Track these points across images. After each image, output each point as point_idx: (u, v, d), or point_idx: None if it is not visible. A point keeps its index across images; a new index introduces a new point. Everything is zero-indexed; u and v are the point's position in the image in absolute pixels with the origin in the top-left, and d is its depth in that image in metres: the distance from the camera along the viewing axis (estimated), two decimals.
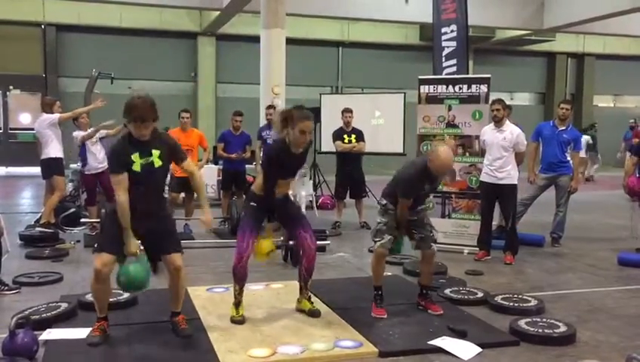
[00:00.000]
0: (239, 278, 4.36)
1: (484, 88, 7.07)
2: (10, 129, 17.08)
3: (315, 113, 10.69)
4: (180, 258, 4.01)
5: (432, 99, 7.25)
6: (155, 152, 3.85)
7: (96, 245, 3.96)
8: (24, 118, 17.16)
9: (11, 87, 16.95)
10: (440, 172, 4.47)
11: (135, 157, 3.80)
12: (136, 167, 3.80)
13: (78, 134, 7.87)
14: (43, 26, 16.50)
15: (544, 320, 4.41)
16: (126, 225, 3.79)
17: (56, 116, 7.58)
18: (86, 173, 7.90)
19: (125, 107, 3.78)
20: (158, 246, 3.98)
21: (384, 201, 4.65)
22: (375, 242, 4.61)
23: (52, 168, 7.55)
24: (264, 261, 4.67)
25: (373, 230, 4.69)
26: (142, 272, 3.87)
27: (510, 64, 20.30)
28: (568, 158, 7.35)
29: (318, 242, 6.67)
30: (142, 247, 3.93)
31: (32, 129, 14.36)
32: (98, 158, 7.80)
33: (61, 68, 16.87)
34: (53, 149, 7.51)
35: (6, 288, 5.09)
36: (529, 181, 7.45)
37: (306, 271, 4.52)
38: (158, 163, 3.87)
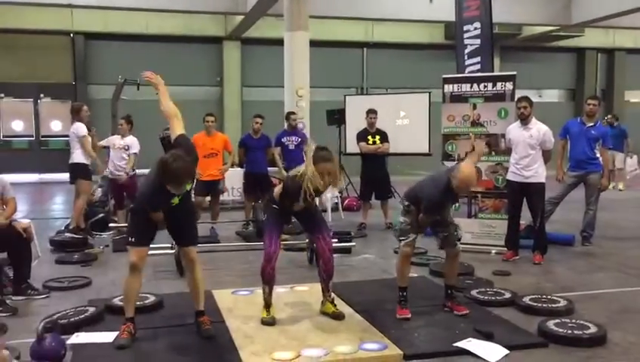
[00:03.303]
0: (267, 280, 4.40)
1: (509, 86, 6.97)
2: (42, 136, 17.43)
3: (340, 115, 10.78)
4: (194, 251, 4.23)
5: (457, 98, 7.18)
6: (188, 185, 4.03)
7: (129, 238, 4.07)
8: (55, 126, 17.50)
9: (42, 95, 17.29)
10: (462, 188, 4.38)
11: (175, 200, 4.00)
12: (175, 201, 4.01)
13: (112, 140, 8.14)
14: (72, 35, 16.79)
15: (573, 321, 4.31)
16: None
17: (82, 133, 7.67)
18: (110, 177, 8.11)
19: (164, 171, 3.72)
20: (177, 236, 4.25)
21: (406, 203, 4.61)
22: (400, 241, 4.58)
23: (77, 172, 7.72)
24: None
25: (398, 230, 4.66)
26: None
27: (538, 61, 19.99)
28: (597, 155, 7.20)
29: (343, 244, 6.78)
30: None
31: (63, 136, 14.67)
32: (116, 164, 8.01)
33: (90, 75, 17.15)
34: (78, 155, 7.66)
35: (36, 293, 5.19)
36: (557, 179, 7.31)
37: (324, 272, 4.53)
38: (188, 186, 4.09)
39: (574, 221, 7.77)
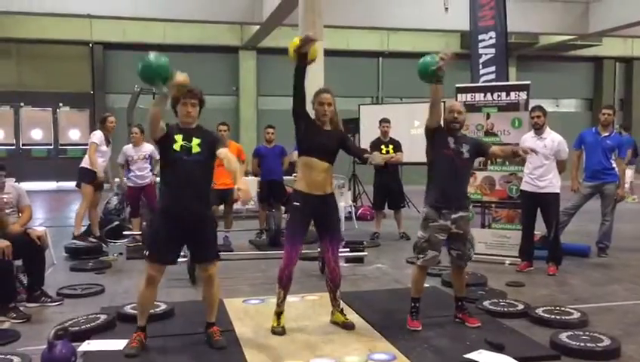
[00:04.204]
0: (284, 284, 4.39)
1: (523, 95, 6.94)
2: (61, 145, 17.66)
3: (354, 124, 10.77)
4: (215, 266, 4.14)
5: (470, 108, 7.12)
6: (196, 140, 4.03)
7: (146, 252, 4.06)
8: (73, 134, 17.74)
9: (61, 104, 17.53)
10: (451, 112, 4.68)
11: (178, 137, 4.01)
12: (177, 146, 3.98)
13: (128, 151, 8.14)
14: (90, 45, 17.03)
15: (587, 333, 4.26)
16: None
17: (91, 140, 7.83)
18: (129, 185, 8.13)
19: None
20: (197, 253, 4.20)
21: (424, 209, 4.56)
22: (418, 258, 4.53)
23: (81, 176, 7.82)
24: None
25: (415, 245, 4.59)
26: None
27: (555, 70, 19.86)
28: (614, 165, 7.12)
29: (355, 253, 6.76)
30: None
31: (81, 144, 14.77)
32: (138, 175, 8.04)
33: (108, 84, 17.37)
34: (86, 160, 7.81)
35: (49, 300, 5.23)
36: (572, 190, 7.25)
37: (331, 282, 4.52)
38: (195, 149, 4.01)
39: (590, 232, 7.68)
